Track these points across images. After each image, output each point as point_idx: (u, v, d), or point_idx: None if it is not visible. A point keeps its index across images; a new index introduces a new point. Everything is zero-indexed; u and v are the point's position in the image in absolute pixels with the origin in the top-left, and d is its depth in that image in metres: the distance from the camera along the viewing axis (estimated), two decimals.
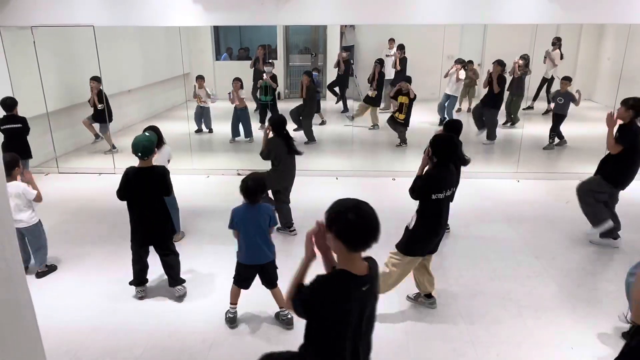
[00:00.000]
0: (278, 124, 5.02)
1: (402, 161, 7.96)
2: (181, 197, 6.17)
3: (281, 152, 4.97)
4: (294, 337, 3.59)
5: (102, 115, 7.79)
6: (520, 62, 9.04)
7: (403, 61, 10.12)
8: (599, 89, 10.39)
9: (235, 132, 8.89)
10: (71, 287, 4.32)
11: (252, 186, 3.53)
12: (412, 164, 7.67)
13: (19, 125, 6.09)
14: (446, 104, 9.61)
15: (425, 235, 3.65)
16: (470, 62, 10.15)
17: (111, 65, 7.83)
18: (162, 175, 3.94)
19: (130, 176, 3.89)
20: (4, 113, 6.08)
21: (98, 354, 3.45)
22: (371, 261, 2.07)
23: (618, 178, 4.81)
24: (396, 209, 5.87)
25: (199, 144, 8.92)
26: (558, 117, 8.23)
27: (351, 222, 1.87)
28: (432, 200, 3.53)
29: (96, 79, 7.59)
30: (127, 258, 4.79)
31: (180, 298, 4.07)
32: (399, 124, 8.51)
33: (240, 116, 8.73)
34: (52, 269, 4.54)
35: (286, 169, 5.08)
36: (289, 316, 3.70)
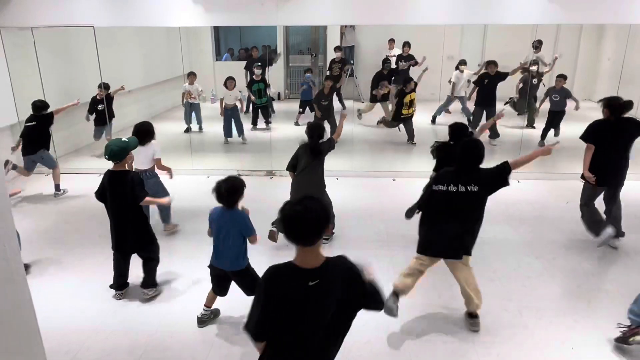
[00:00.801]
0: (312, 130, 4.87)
1: (402, 161, 7.97)
2: (182, 197, 6.18)
3: (300, 159, 4.86)
4: None
5: (103, 117, 7.82)
6: (534, 68, 9.07)
7: (409, 58, 10.12)
8: (599, 89, 10.34)
9: (228, 133, 8.88)
10: (72, 287, 4.32)
11: (224, 189, 3.45)
12: (412, 164, 7.71)
13: (34, 123, 6.25)
14: (462, 107, 9.63)
15: (422, 229, 3.62)
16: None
17: (111, 66, 7.82)
18: (131, 181, 3.85)
19: (105, 178, 3.88)
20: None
21: (99, 354, 3.45)
22: (335, 259, 2.06)
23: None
24: (396, 209, 5.87)
25: (199, 144, 8.92)
26: (554, 114, 8.24)
27: (284, 216, 1.96)
28: (432, 191, 3.51)
29: (105, 86, 7.61)
30: None
31: (145, 300, 4.09)
32: (408, 119, 8.68)
33: (231, 115, 8.74)
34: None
35: (302, 179, 4.90)
36: None
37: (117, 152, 3.80)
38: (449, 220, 3.48)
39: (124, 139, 3.97)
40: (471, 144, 3.53)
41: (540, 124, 8.92)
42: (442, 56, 9.59)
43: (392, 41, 10.71)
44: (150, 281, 4.14)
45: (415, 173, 7.18)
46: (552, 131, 8.45)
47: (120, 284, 4.16)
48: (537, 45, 9.64)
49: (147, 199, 3.96)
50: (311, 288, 1.95)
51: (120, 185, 3.84)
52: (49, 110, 6.37)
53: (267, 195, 6.48)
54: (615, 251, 4.91)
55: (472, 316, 3.71)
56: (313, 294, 1.97)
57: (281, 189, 6.74)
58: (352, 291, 2.04)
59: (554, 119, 8.31)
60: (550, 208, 6.01)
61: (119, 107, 8.21)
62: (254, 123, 9.50)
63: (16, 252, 1.27)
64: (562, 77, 8.16)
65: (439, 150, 4.57)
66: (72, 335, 3.66)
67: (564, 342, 3.54)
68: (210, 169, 7.29)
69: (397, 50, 10.59)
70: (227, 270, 3.61)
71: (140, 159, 4.69)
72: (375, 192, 6.59)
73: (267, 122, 9.36)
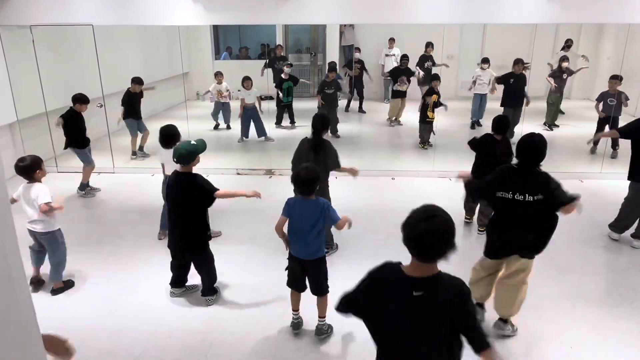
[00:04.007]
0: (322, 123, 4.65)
1: (401, 160, 7.96)
2: None
3: (301, 154, 4.67)
4: (296, 341, 3.59)
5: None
6: (565, 64, 9.00)
7: (432, 59, 10.18)
8: (599, 89, 10.31)
9: (245, 133, 8.86)
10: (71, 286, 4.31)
11: (303, 176, 3.30)
12: (411, 163, 7.71)
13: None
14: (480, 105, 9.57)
15: (490, 234, 3.54)
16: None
17: (110, 65, 7.81)
18: (198, 184, 3.76)
19: (170, 180, 3.84)
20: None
21: (98, 353, 3.45)
22: (452, 278, 1.98)
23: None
24: (395, 208, 5.86)
25: None
26: (607, 119, 7.58)
27: (417, 233, 1.86)
28: (496, 198, 3.34)
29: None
30: (126, 258, 4.81)
31: (208, 305, 4.02)
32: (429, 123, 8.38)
33: (250, 115, 8.72)
34: (68, 285, 4.30)
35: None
36: (323, 327, 3.58)
37: (186, 155, 3.75)
38: (508, 225, 3.42)
39: (192, 142, 3.87)
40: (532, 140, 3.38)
41: (535, 125, 8.90)
42: (442, 55, 9.58)
43: (391, 40, 10.71)
44: (208, 289, 4.04)
45: (414, 172, 7.20)
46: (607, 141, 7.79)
47: (177, 280, 4.12)
48: (570, 44, 9.74)
49: (220, 192, 3.82)
50: (416, 299, 1.88)
51: (185, 187, 3.77)
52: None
53: (267, 195, 6.47)
54: (614, 251, 4.92)
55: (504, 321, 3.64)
56: (417, 306, 1.90)
57: (280, 188, 6.74)
58: (455, 319, 1.94)
59: (610, 124, 7.54)
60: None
61: (117, 106, 8.18)
62: (279, 122, 9.48)
63: (15, 251, 1.26)
64: (616, 79, 7.39)
65: (476, 143, 5.03)
66: (72, 334, 3.62)
67: (563, 342, 3.55)
68: (210, 168, 7.27)
69: (396, 49, 10.60)
70: (309, 260, 3.45)
71: (168, 163, 4.56)
72: (374, 191, 6.59)
73: (293, 122, 9.45)
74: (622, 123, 7.22)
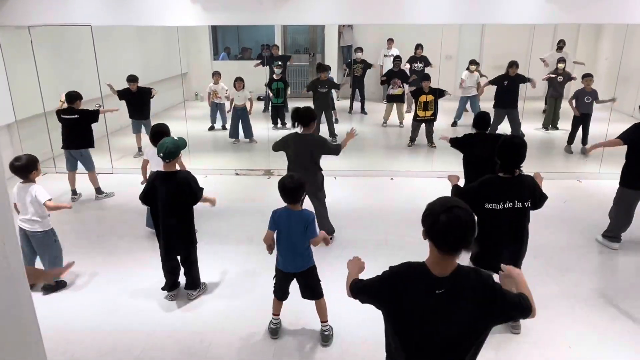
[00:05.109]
0: (305, 116, 4.68)
1: (400, 161, 7.97)
2: None
3: (290, 146, 4.73)
4: (296, 341, 3.59)
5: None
6: (561, 65, 8.99)
7: (422, 60, 10.16)
8: (597, 89, 10.42)
9: (234, 134, 8.86)
10: (69, 286, 4.31)
11: (288, 185, 3.30)
12: (410, 163, 7.72)
13: (76, 116, 6.12)
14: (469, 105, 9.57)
15: (480, 246, 3.56)
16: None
17: (109, 65, 7.81)
18: (185, 181, 3.77)
19: (154, 180, 3.79)
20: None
21: (96, 354, 3.45)
22: (469, 271, 1.95)
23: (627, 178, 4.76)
24: (394, 208, 5.89)
25: (197, 144, 8.89)
26: (585, 117, 7.84)
27: (441, 225, 1.82)
28: (485, 210, 3.33)
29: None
30: (125, 258, 4.81)
31: (190, 300, 4.07)
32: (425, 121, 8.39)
33: (240, 116, 8.73)
34: (61, 285, 4.27)
35: (296, 167, 4.78)
36: (327, 333, 3.57)
37: (173, 150, 3.72)
38: (498, 237, 3.45)
39: (175, 138, 3.88)
40: (512, 142, 3.41)
41: (532, 124, 8.89)
42: (440, 56, 9.58)
43: (390, 40, 10.72)
44: (194, 282, 4.09)
45: (412, 172, 7.21)
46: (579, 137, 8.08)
47: (172, 283, 4.11)
48: (562, 45, 9.73)
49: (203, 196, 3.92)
50: (438, 297, 1.87)
51: (172, 185, 3.75)
52: (93, 108, 6.37)
53: (265, 195, 6.48)
54: (613, 251, 4.93)
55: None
56: (441, 306, 1.88)
57: None
58: (488, 312, 1.92)
59: (585, 122, 7.90)
60: (548, 207, 5.98)
61: (116, 105, 8.18)
62: (275, 122, 9.48)
63: (16, 250, 1.26)
64: (590, 77, 7.72)
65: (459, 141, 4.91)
66: (70, 334, 3.65)
67: (562, 342, 3.55)
68: (208, 169, 7.28)
69: (395, 50, 10.61)
70: (296, 273, 3.47)
71: (156, 160, 4.56)
72: (373, 191, 6.59)
73: (283, 123, 9.41)
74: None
